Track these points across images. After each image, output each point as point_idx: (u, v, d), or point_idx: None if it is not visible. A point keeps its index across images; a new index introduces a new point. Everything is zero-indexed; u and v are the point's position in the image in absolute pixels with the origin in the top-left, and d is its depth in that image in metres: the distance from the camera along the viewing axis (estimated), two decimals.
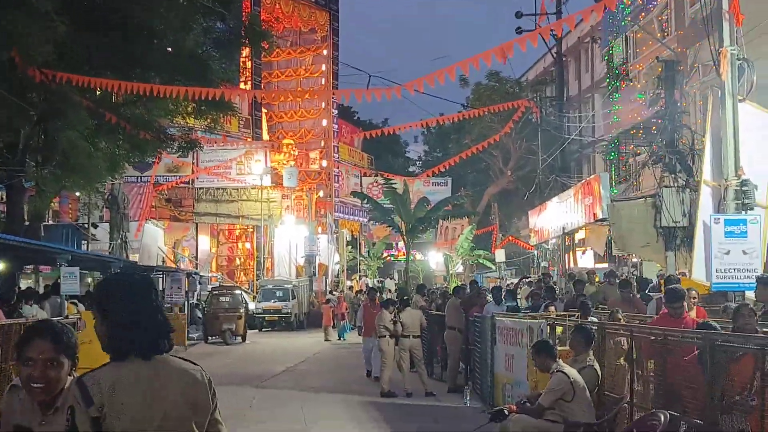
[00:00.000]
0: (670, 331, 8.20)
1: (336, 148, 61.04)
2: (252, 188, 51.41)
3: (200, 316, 36.79)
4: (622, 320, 10.99)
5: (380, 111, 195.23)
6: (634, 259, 25.91)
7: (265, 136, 58.08)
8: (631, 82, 33.63)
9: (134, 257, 36.73)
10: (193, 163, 51.43)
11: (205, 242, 55.14)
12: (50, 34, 18.92)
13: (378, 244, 62.74)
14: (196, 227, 53.90)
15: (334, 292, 45.46)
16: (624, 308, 13.11)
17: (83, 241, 36.58)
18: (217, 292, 35.71)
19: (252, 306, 41.00)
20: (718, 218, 13.13)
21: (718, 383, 6.91)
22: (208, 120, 30.28)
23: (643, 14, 27.31)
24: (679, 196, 20.27)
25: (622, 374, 8.96)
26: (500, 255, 53.04)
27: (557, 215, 29.23)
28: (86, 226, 37.40)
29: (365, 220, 65.72)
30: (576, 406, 8.32)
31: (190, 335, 34.24)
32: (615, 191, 28.33)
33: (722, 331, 7.89)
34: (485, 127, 55.56)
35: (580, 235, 32.19)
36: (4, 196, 27.24)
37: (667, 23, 27.83)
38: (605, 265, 32.47)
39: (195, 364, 3.72)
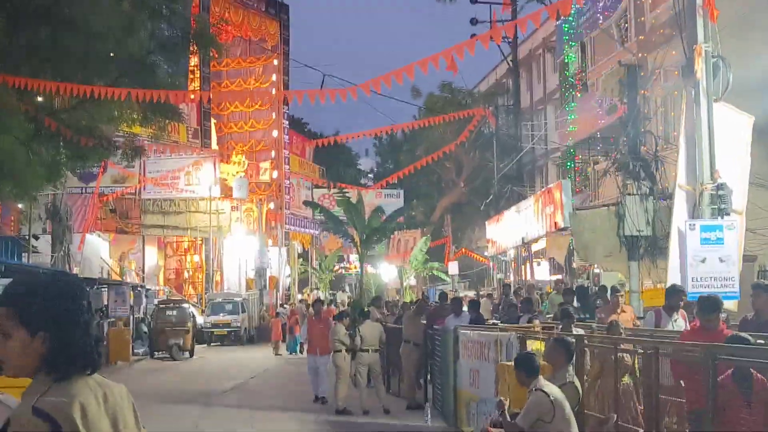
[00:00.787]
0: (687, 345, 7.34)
1: (287, 159, 60.00)
2: (201, 200, 50.15)
3: (146, 330, 35.57)
4: (623, 333, 10.06)
5: (331, 123, 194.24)
6: (596, 270, 25.28)
7: (215, 147, 56.84)
8: (587, 91, 33.21)
9: (77, 270, 35.38)
10: (140, 174, 50.03)
11: (152, 255, 53.70)
12: None
13: (330, 256, 61.79)
14: (143, 240, 52.45)
15: (285, 306, 44.42)
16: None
17: (24, 254, 35.23)
18: (163, 305, 34.47)
19: (200, 320, 39.86)
20: (694, 224, 12.47)
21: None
22: (154, 128, 29.26)
23: (601, 21, 26.81)
24: (642, 204, 19.60)
25: (629, 394, 8.16)
26: (453, 267, 52.42)
27: (515, 225, 28.56)
28: (27, 237, 36.06)
29: (317, 232, 64.74)
30: (557, 428, 7.50)
31: (135, 350, 33.01)
32: (572, 201, 27.77)
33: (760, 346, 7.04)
34: (438, 138, 54.96)
35: (537, 246, 31.60)
36: None
37: (627, 29, 27.36)
38: (559, 276, 31.93)
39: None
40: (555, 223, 23.43)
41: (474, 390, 12.44)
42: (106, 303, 30.74)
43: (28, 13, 20.60)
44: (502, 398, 8.09)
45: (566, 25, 30.65)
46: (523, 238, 27.83)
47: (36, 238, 36.25)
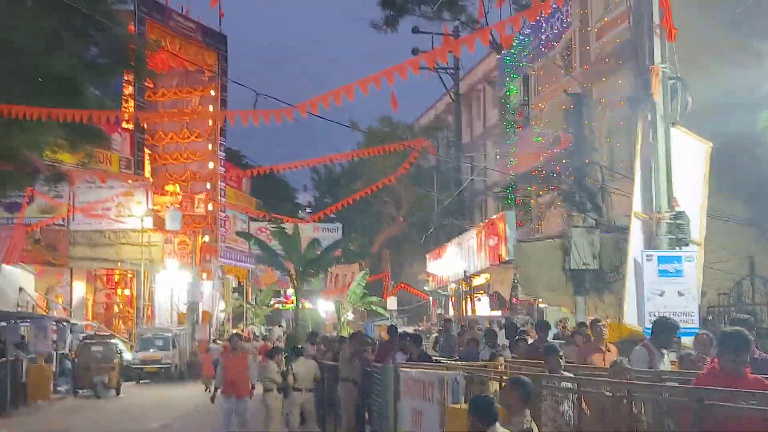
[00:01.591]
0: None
1: (223, 192, 58.67)
2: (132, 231, 48.58)
3: (70, 367, 33.95)
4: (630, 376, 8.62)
5: (269, 156, 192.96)
6: (542, 305, 24.53)
7: (149, 177, 55.31)
8: (528, 124, 32.73)
9: None
10: (68, 203, 48.36)
11: (80, 288, 51.81)
12: None
13: (266, 290, 60.51)
14: (71, 272, 50.66)
15: (218, 341, 43.01)
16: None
17: None
18: (88, 341, 32.90)
19: (129, 356, 38.29)
20: (651, 255, 11.71)
21: None
22: (81, 155, 28.02)
23: (545, 50, 26.32)
24: (588, 237, 18.97)
25: None
26: (392, 302, 51.56)
27: (457, 259, 27.76)
28: None
29: (252, 266, 63.44)
30: None
31: (58, 388, 31.42)
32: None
33: None
34: (377, 173, 54.33)
35: (478, 281, 30.86)
36: None
37: (570, 59, 26.89)
38: (499, 312, 31.20)
39: None
40: (499, 255, 22.70)
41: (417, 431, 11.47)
42: (24, 338, 29.16)
43: None
44: None
45: (508, 58, 30.21)
46: (465, 272, 27.04)
47: None
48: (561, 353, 9.66)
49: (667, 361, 9.51)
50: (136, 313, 49.40)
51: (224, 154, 59.43)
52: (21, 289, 38.03)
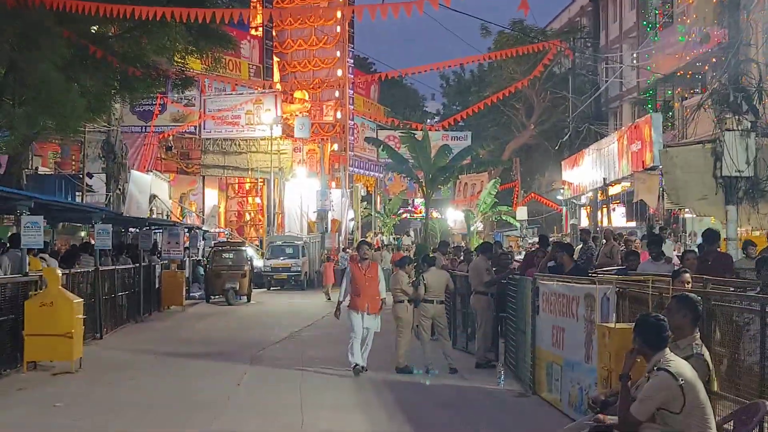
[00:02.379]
0: None
1: (351, 99, 58.08)
2: (262, 139, 48.68)
3: (203, 273, 34.35)
4: None
5: (397, 64, 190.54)
6: (687, 215, 23.02)
7: (278, 86, 55.20)
8: (673, 22, 30.69)
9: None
10: (199, 110, 48.73)
11: (212, 196, 52.60)
12: None
13: (394, 199, 59.98)
14: (203, 180, 51.35)
15: (348, 250, 42.91)
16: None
17: (78, 193, 34.15)
18: (219, 248, 33.05)
19: (260, 263, 38.53)
20: None
21: None
22: (210, 61, 27.62)
23: None
24: (743, 141, 17.48)
25: None
26: (522, 212, 50.40)
27: (596, 166, 26.33)
28: (80, 175, 34.95)
29: (381, 175, 63.00)
30: (688, 420, 5.60)
31: (191, 294, 31.80)
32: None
33: None
34: (507, 79, 52.69)
35: (614, 190, 29.41)
36: None
37: None
38: (633, 223, 29.80)
39: None
40: (642, 161, 21.25)
41: (557, 351, 10.57)
42: (158, 244, 29.42)
43: None
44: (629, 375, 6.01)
45: None
46: (604, 179, 25.63)
47: (90, 176, 35.12)
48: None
49: None
50: (266, 221, 49.79)
51: (352, 61, 58.66)
52: (154, 196, 38.56)
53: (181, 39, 23.40)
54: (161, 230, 30.42)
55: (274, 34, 56.98)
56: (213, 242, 36.37)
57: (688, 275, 8.97)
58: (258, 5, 55.76)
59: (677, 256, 16.40)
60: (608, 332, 7.85)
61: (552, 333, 10.75)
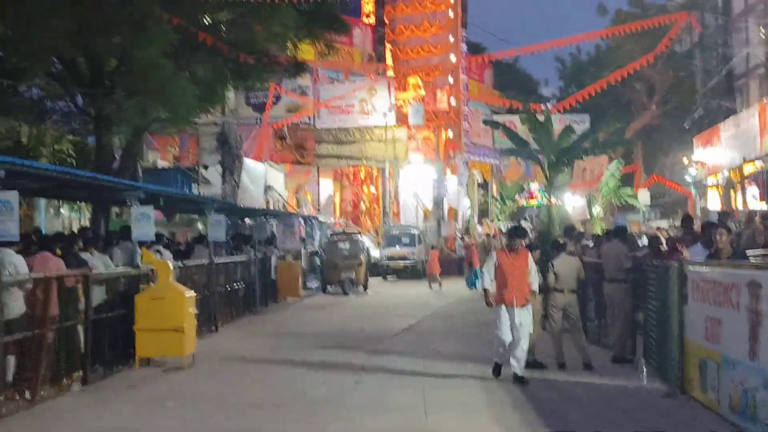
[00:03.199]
0: None
1: (465, 85, 56.96)
2: (376, 128, 48.12)
3: (319, 264, 33.96)
4: None
5: (510, 47, 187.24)
6: None
7: (390, 74, 54.56)
8: None
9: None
10: (314, 100, 48.50)
11: (327, 186, 52.34)
12: None
13: (511, 185, 58.64)
14: (318, 170, 51.12)
15: (465, 238, 41.94)
16: None
17: (193, 184, 34.19)
18: (335, 238, 32.53)
19: (376, 253, 37.94)
20: None
21: None
22: (321, 47, 27.02)
23: None
24: None
25: None
26: (644, 196, 48.47)
27: (734, 142, 24.59)
28: (197, 168, 34.99)
29: (496, 161, 61.73)
30: None
31: (308, 285, 31.38)
32: None
33: None
34: (626, 59, 50.76)
35: (748, 169, 27.56)
36: None
37: None
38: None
39: None
40: None
41: (712, 345, 9.36)
42: (274, 235, 29.03)
43: None
44: None
45: None
46: (744, 158, 23.90)
47: (206, 168, 35.10)
48: None
49: None
50: (382, 210, 49.25)
51: (466, 46, 57.52)
52: (270, 187, 38.37)
53: (292, 23, 22.80)
54: (277, 221, 30.06)
55: (386, 21, 56.34)
56: (329, 232, 35.92)
57: None
58: None
59: None
60: None
61: (705, 325, 9.56)
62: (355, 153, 49.68)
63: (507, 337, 11.83)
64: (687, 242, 12.82)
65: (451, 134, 54.08)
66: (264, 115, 46.23)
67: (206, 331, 17.87)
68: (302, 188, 50.46)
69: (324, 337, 17.63)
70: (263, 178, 36.39)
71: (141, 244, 15.21)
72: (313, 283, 32.46)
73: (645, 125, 59.00)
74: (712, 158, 28.24)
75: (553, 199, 55.66)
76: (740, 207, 28.58)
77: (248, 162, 35.18)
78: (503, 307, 11.89)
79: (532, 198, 66.53)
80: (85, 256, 13.36)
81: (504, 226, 50.26)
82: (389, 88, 49.50)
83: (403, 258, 37.11)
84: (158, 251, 16.20)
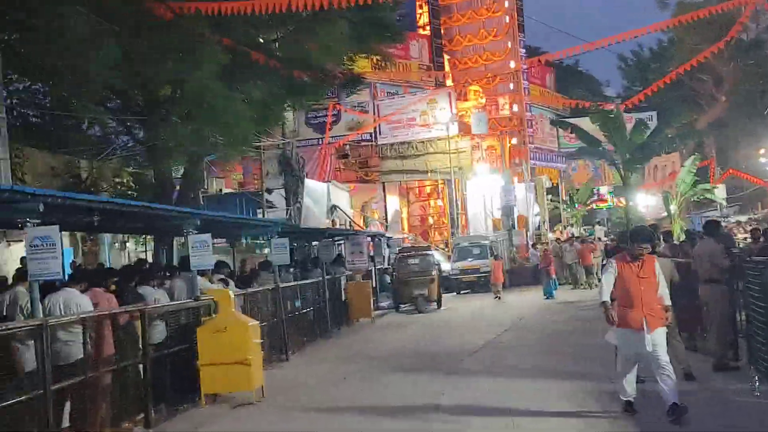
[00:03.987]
0: None
1: (527, 90, 55.88)
2: (438, 139, 47.28)
3: (390, 282, 33.12)
4: None
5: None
6: None
7: (449, 83, 53.78)
8: None
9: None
10: (374, 116, 47.91)
11: (394, 202, 51.61)
12: None
13: (582, 189, 57.22)
14: (383, 187, 50.40)
15: (537, 246, 40.78)
16: None
17: (258, 210, 33.68)
18: (405, 254, 31.61)
19: (447, 267, 36.98)
20: None
21: None
22: (377, 58, 26.36)
23: None
24: None
25: None
26: (720, 191, 46.74)
27: None
28: (260, 193, 34.49)
29: (563, 165, 60.44)
30: None
31: (380, 304, 30.57)
32: None
33: None
34: (690, 52, 49.20)
35: None
36: None
37: None
38: None
39: None
40: None
41: None
42: (342, 255, 28.28)
43: None
44: None
45: None
46: None
47: (269, 192, 34.58)
48: None
49: None
50: (450, 223, 48.34)
51: (525, 51, 56.48)
52: (335, 207, 37.73)
53: (345, 36, 22.11)
54: (344, 240, 29.31)
55: (442, 32, 55.64)
56: (398, 249, 35.05)
57: None
58: (423, 4, 54.67)
59: None
60: None
61: None
62: (420, 166, 48.91)
63: (631, 375, 9.87)
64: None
65: (515, 141, 52.98)
66: (325, 135, 45.75)
67: (277, 360, 17.15)
68: (368, 206, 49.83)
69: (399, 358, 16.76)
70: (326, 198, 35.73)
71: (203, 273, 14.58)
72: (385, 302, 31.66)
73: (715, 118, 57.27)
74: None
75: (622, 200, 54.17)
76: None
77: (309, 182, 34.57)
78: (628, 331, 9.48)
79: (602, 201, 65.05)
80: (143, 290, 12.73)
81: (576, 230, 48.92)
82: (450, 98, 48.68)
83: (475, 271, 36.03)
84: (221, 280, 15.52)
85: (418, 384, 13.28)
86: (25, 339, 8.96)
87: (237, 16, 18.03)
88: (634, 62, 72.34)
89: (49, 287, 10.08)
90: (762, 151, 50.36)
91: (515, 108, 54.68)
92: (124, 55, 17.85)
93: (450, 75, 55.26)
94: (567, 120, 39.21)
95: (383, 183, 50.14)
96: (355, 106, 48.14)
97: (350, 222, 40.69)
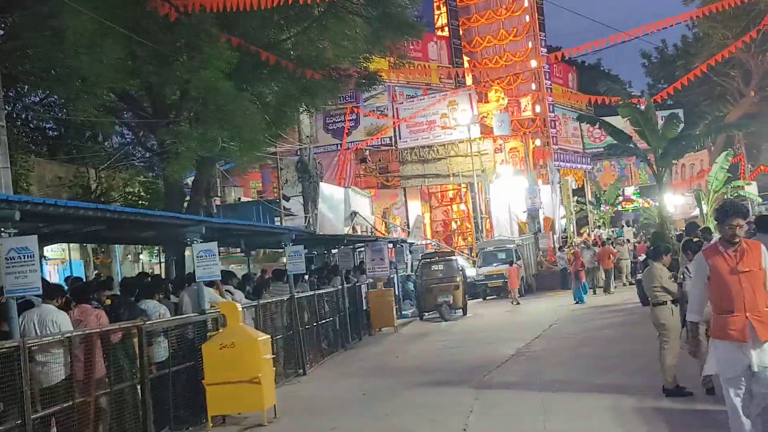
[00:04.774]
0: None
1: (549, 90, 54.61)
2: (460, 142, 46.14)
3: (413, 289, 32.07)
4: None
5: (594, 51, 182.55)
6: None
7: (470, 83, 52.64)
8: None
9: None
10: (393, 118, 46.83)
11: (415, 208, 50.45)
12: None
13: (610, 188, 55.86)
14: (405, 192, 49.31)
15: (564, 249, 39.61)
16: None
17: (276, 218, 32.77)
18: (428, 260, 30.52)
19: (472, 272, 35.88)
20: None
21: None
22: (394, 56, 25.35)
23: None
24: None
25: None
26: (752, 189, 45.45)
27: None
28: (278, 200, 33.57)
29: (589, 166, 59.16)
30: None
31: (403, 312, 29.55)
32: None
33: None
34: (717, 47, 47.98)
35: None
36: None
37: None
38: None
39: None
40: None
41: None
42: (363, 263, 27.26)
43: None
44: None
45: None
46: None
47: (287, 199, 33.65)
48: None
49: None
50: (474, 227, 47.19)
51: (546, 50, 55.26)
52: (355, 213, 36.70)
53: (360, 35, 21.13)
54: (364, 247, 28.28)
55: (461, 33, 54.56)
56: (421, 255, 33.97)
57: None
58: (441, 5, 53.64)
59: None
60: None
61: None
62: (442, 171, 47.77)
63: (742, 405, 6.79)
64: None
65: (539, 142, 51.75)
66: (343, 139, 44.79)
67: (293, 375, 16.16)
68: (390, 212, 48.79)
69: (425, 372, 15.69)
70: (343, 204, 34.68)
71: (212, 284, 13.62)
72: (409, 310, 30.60)
73: (744, 114, 55.85)
74: None
75: (649, 201, 52.73)
76: None
77: (325, 188, 33.48)
78: (729, 345, 6.82)
79: (629, 202, 63.74)
80: (146, 304, 11.77)
81: (605, 233, 47.64)
82: (471, 100, 47.50)
83: (501, 276, 34.87)
84: (228, 291, 14.55)
85: (445, 399, 12.22)
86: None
87: (244, 12, 17.08)
88: (658, 59, 70.96)
89: (25, 304, 9.14)
90: None
91: (538, 109, 53.44)
92: (129, 56, 16.99)
93: (470, 74, 54.07)
94: (593, 116, 37.89)
95: (404, 188, 49.04)
96: (373, 110, 47.14)
97: (371, 228, 39.68)
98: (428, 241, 46.30)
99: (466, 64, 54.25)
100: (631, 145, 28.69)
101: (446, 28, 53.61)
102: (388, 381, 14.84)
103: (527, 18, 54.08)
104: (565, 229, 51.27)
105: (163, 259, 25.64)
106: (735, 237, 6.85)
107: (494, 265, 35.57)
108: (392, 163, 48.72)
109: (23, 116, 26.39)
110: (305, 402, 13.35)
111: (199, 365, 11.68)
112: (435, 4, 53.56)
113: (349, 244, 25.62)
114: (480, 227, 46.58)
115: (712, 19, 46.10)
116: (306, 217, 32.06)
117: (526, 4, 54.06)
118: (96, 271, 24.42)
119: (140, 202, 25.39)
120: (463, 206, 51.03)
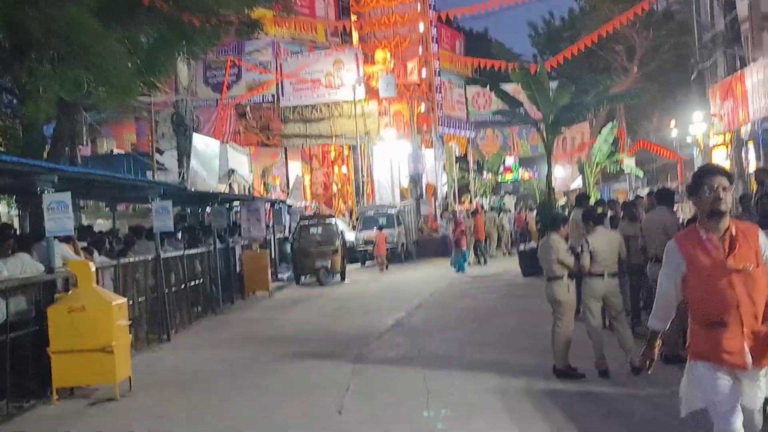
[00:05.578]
0: None
1: (436, 55, 53.86)
2: (345, 102, 44.96)
3: (290, 252, 30.92)
4: None
5: (481, 20, 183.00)
6: None
7: (356, 43, 51.44)
8: None
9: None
10: (276, 74, 45.24)
11: (296, 168, 49.16)
12: None
13: (493, 157, 55.63)
14: (285, 152, 47.95)
15: (444, 215, 39.11)
16: None
17: (148, 171, 31.15)
18: (306, 223, 29.44)
19: (351, 237, 34.95)
20: None
21: None
22: (278, 9, 23.98)
23: None
24: None
25: None
26: (629, 163, 45.89)
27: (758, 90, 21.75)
28: (150, 154, 31.91)
29: (472, 134, 58.84)
30: None
31: (279, 276, 28.37)
32: None
33: None
34: (603, 22, 48.07)
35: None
36: None
37: None
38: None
39: None
40: None
41: None
42: (236, 223, 25.98)
43: None
44: None
45: None
46: None
47: (160, 152, 31.99)
48: None
49: None
50: (355, 191, 46.24)
51: (435, 13, 54.43)
52: (233, 170, 35.24)
53: None
54: (240, 207, 26.95)
55: None
56: (300, 217, 32.81)
57: None
58: None
59: None
60: None
61: None
62: (324, 131, 46.54)
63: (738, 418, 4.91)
64: None
65: (423, 107, 51.04)
66: (222, 93, 43.07)
67: (155, 341, 14.89)
68: (269, 171, 47.40)
69: (299, 342, 14.65)
70: (219, 159, 33.07)
71: (67, 240, 12.25)
72: (285, 274, 29.50)
73: (626, 89, 56.44)
74: (736, 110, 25.12)
75: (527, 173, 52.78)
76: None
77: (198, 141, 31.68)
78: (716, 370, 4.95)
79: (508, 172, 63.86)
80: None
81: (486, 202, 47.42)
82: (357, 60, 46.35)
83: None
84: (85, 249, 13.16)
85: (320, 374, 11.23)
86: None
87: None
88: (545, 31, 71.21)
89: None
90: (672, 123, 49.63)
91: (424, 73, 52.64)
92: None
93: (357, 32, 52.82)
94: (483, 78, 37.23)
95: (285, 147, 47.67)
96: (257, 65, 45.47)
97: (249, 188, 38.31)
98: (308, 203, 45.19)
99: (353, 25, 53.00)
100: (521, 111, 28.08)
101: None
102: (259, 350, 13.75)
103: None
104: (446, 197, 50.87)
105: (20, 211, 23.82)
106: (720, 202, 4.96)
107: (375, 230, 34.74)
108: (274, 121, 47.20)
109: None
110: (165, 374, 12.15)
111: (44, 331, 10.35)
112: None
113: (224, 203, 24.24)
114: (361, 191, 45.65)
115: None
116: (180, 171, 30.53)
117: None
118: None
119: None
120: (344, 169, 50.04)
